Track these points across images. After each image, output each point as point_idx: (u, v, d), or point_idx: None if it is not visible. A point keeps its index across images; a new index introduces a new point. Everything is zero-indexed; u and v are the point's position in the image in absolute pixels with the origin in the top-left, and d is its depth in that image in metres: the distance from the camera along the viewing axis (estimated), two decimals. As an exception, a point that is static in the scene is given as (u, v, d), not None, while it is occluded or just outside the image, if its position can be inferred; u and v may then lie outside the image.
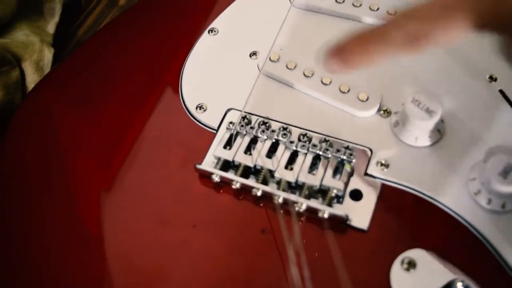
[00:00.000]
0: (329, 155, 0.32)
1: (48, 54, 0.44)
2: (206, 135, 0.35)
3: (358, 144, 0.33)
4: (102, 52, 0.42)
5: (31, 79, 0.43)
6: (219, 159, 0.33)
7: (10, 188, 0.36)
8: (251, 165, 0.32)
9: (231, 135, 0.34)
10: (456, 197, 0.30)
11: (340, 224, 0.30)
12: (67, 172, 0.35)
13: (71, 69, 0.42)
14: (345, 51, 0.27)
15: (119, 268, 0.31)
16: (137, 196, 0.33)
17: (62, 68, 0.42)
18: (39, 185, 0.35)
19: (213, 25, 0.41)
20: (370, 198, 0.31)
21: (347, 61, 0.27)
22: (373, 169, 0.32)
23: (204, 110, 0.36)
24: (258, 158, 0.32)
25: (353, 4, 0.39)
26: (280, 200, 0.31)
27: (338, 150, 0.32)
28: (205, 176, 0.33)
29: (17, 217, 0.34)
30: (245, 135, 0.34)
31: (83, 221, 0.33)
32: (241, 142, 0.33)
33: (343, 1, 0.40)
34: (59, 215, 0.34)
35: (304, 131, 0.34)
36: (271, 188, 0.31)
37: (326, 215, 0.30)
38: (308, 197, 0.31)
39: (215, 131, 0.35)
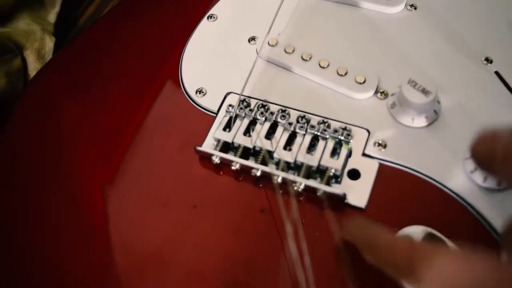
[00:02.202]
0: (327, 136, 0.32)
1: (49, 43, 0.45)
2: (206, 119, 0.35)
3: (356, 126, 0.33)
4: (103, 39, 0.42)
5: (33, 67, 0.44)
6: (218, 141, 0.33)
7: (12, 175, 0.36)
8: (251, 146, 0.33)
9: (230, 118, 0.34)
10: (453, 176, 0.31)
11: (338, 203, 0.30)
12: (69, 158, 0.36)
13: (73, 56, 0.42)
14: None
15: (120, 251, 0.31)
16: (139, 180, 0.34)
17: (63, 56, 0.43)
18: (41, 171, 0.36)
19: (212, 11, 0.41)
20: (368, 178, 0.31)
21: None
22: (370, 149, 0.32)
23: (204, 94, 0.36)
24: (257, 139, 0.33)
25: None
26: (279, 180, 0.31)
27: (335, 131, 0.32)
28: (205, 158, 0.33)
29: (18, 204, 0.35)
30: (244, 117, 0.34)
31: (84, 206, 0.34)
32: (241, 125, 0.34)
33: (341, -13, 0.40)
34: (60, 201, 0.34)
35: (302, 113, 0.34)
36: (270, 168, 0.32)
37: (324, 194, 0.30)
38: (306, 176, 0.31)
39: (215, 115, 0.35)
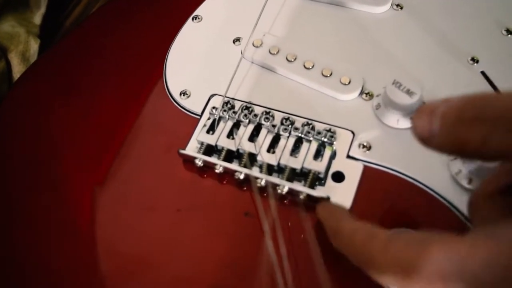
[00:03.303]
0: (311, 138, 0.32)
1: (34, 45, 0.44)
2: (190, 121, 0.35)
3: (340, 127, 0.33)
4: (88, 41, 0.42)
5: (17, 70, 0.44)
6: (202, 143, 0.33)
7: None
8: (234, 149, 0.32)
9: (214, 120, 0.34)
10: (438, 178, 0.31)
11: (322, 205, 0.30)
12: (54, 162, 0.36)
13: (58, 58, 0.42)
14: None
15: (104, 254, 0.31)
16: (122, 183, 0.34)
17: (48, 58, 0.42)
18: (26, 176, 0.35)
19: (196, 12, 0.41)
20: (352, 180, 0.31)
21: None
22: (355, 151, 0.32)
23: (188, 96, 0.36)
24: (241, 142, 0.33)
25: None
26: (263, 183, 0.31)
27: (319, 133, 0.32)
28: (189, 161, 0.33)
29: (5, 205, 0.34)
30: (228, 119, 0.34)
31: (69, 209, 0.33)
32: (224, 127, 0.34)
33: (327, -13, 0.40)
34: (46, 205, 0.34)
35: (286, 115, 0.34)
36: (253, 171, 0.31)
37: (308, 197, 0.30)
38: (290, 179, 0.31)
39: (199, 117, 0.35)
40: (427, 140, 0.23)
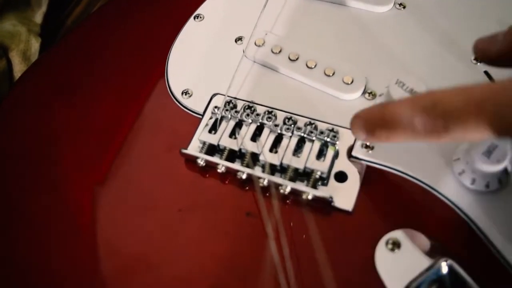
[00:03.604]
0: (313, 138, 0.32)
1: (35, 44, 0.44)
2: (192, 120, 0.35)
3: (343, 127, 0.33)
4: (89, 40, 0.42)
5: (19, 69, 0.43)
6: (204, 143, 0.33)
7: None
8: (236, 148, 0.32)
9: (216, 120, 0.34)
10: (440, 178, 0.30)
11: (325, 205, 0.30)
12: (54, 162, 0.35)
13: (58, 57, 0.42)
14: (366, 123, 0.27)
15: (105, 254, 0.31)
16: (123, 182, 0.33)
17: (49, 57, 0.42)
18: (26, 176, 0.35)
19: (198, 11, 0.41)
20: (355, 180, 0.31)
21: (369, 133, 0.27)
22: (358, 151, 0.32)
23: (190, 96, 0.36)
24: (243, 141, 0.32)
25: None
26: (265, 183, 0.31)
27: (321, 132, 0.32)
28: (191, 160, 0.33)
29: (5, 204, 0.34)
30: (230, 119, 0.34)
31: (69, 209, 0.33)
32: (226, 126, 0.33)
33: (329, -14, 0.40)
34: (46, 205, 0.34)
35: (289, 115, 0.34)
36: (256, 171, 0.31)
37: (310, 197, 0.30)
38: (293, 179, 0.31)
39: (200, 116, 0.35)
40: (489, 45, 0.28)
